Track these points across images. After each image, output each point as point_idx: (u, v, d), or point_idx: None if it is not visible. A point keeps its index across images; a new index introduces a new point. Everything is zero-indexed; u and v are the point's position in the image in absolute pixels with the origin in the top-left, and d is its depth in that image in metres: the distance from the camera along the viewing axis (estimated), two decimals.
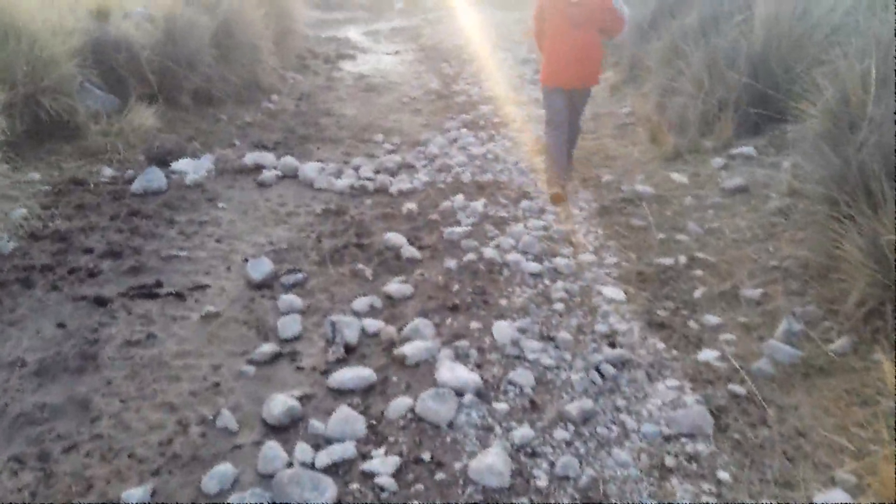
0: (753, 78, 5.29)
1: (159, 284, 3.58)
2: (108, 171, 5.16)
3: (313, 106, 8.08)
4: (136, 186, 4.90)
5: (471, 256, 3.92)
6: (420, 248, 4.14)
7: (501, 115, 7.55)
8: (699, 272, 3.58)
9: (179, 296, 3.50)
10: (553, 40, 5.11)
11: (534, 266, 3.77)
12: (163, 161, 5.54)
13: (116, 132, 5.76)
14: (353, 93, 8.94)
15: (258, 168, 5.59)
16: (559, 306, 3.37)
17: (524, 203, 4.79)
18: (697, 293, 3.39)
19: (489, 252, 3.95)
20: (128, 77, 6.36)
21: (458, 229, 4.30)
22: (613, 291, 3.47)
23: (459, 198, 4.87)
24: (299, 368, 2.87)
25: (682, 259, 3.71)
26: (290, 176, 5.52)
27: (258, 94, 8.23)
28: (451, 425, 2.47)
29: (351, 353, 2.98)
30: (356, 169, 5.68)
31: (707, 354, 2.85)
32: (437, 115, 7.79)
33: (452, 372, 2.69)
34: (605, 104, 7.67)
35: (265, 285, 3.65)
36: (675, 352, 2.95)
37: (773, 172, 4.66)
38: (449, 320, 3.26)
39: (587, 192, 4.97)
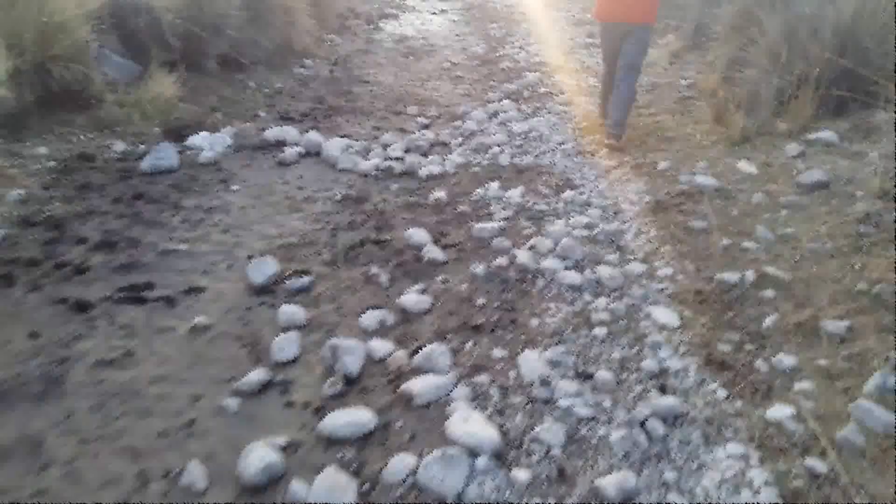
0: (840, 52, 4.55)
1: (150, 286, 3.21)
2: (119, 146, 4.81)
3: (348, 72, 7.58)
4: (145, 165, 4.54)
5: (501, 261, 3.43)
6: (445, 247, 3.67)
7: (549, 85, 6.92)
8: (770, 293, 3.02)
9: (170, 301, 3.13)
10: None
11: (573, 276, 3.26)
12: (179, 135, 5.18)
13: (133, 102, 5.39)
14: (391, 57, 8.39)
15: (280, 144, 5.17)
16: (600, 331, 2.87)
17: (567, 194, 4.25)
18: (768, 322, 2.83)
19: (523, 256, 3.45)
20: (149, 42, 5.97)
21: (489, 225, 3.80)
22: (666, 314, 2.95)
23: (494, 185, 4.35)
24: (289, 404, 2.47)
25: (750, 275, 3.14)
26: (314, 153, 5.09)
27: (291, 59, 7.78)
28: (458, 497, 2.03)
29: (352, 386, 2.56)
30: (385, 147, 5.20)
31: (779, 411, 2.33)
32: (479, 83, 7.20)
33: (466, 424, 2.24)
34: (665, 74, 6.95)
35: (267, 290, 3.24)
36: (738, 403, 2.43)
37: (858, 165, 4.00)
38: (469, 344, 2.80)
39: (640, 182, 4.39)
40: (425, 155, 5.10)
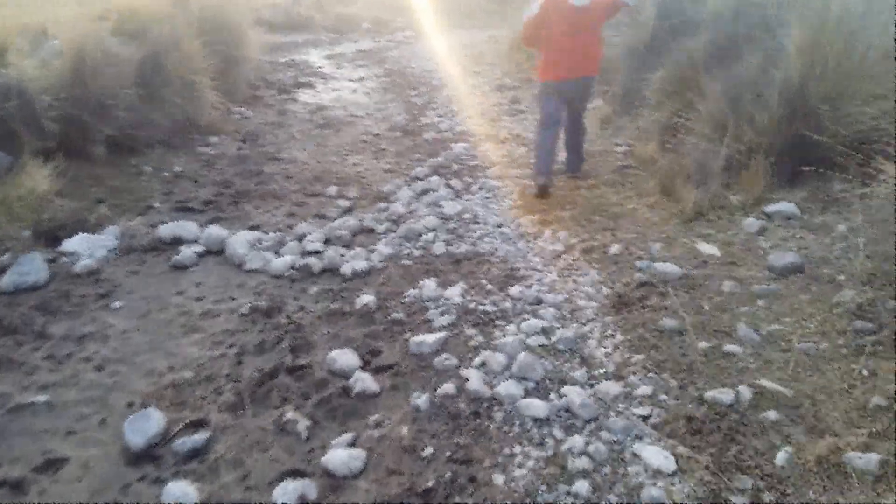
0: (789, 117, 4.28)
1: None
2: None
3: (259, 149, 6.92)
4: (5, 282, 3.72)
5: (448, 387, 2.81)
6: (377, 370, 3.02)
7: (478, 156, 6.47)
8: (773, 415, 2.50)
9: (17, 486, 2.33)
10: (558, 43, 5.23)
11: (537, 405, 2.66)
12: (54, 238, 4.39)
13: None
14: (307, 130, 7.80)
15: (175, 243, 4.44)
16: (582, 486, 2.26)
17: (514, 289, 3.69)
18: (781, 458, 2.30)
19: (473, 379, 2.84)
20: (21, 129, 5.15)
21: (429, 337, 3.18)
22: (657, 455, 2.38)
23: (430, 283, 3.75)
24: None
25: (745, 392, 2.63)
26: (216, 252, 4.37)
27: (195, 137, 7.07)
28: None
29: None
30: (301, 239, 4.55)
31: None
32: (404, 156, 6.68)
33: None
34: (597, 141, 6.63)
35: (150, 456, 2.49)
36: None
37: (827, 241, 3.64)
38: None
39: (592, 270, 3.89)
40: (348, 246, 4.47)
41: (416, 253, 4.31)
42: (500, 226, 4.65)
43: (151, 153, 6.33)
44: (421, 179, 5.84)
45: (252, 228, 4.79)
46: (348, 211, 5.20)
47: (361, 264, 4.07)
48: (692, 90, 5.62)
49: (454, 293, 3.65)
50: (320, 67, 12.51)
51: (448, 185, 5.61)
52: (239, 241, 4.35)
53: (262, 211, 5.18)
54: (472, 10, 19.88)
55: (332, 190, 5.57)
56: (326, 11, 19.35)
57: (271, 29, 17.07)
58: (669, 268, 3.64)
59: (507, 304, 3.55)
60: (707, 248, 3.87)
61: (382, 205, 5.20)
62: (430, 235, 4.51)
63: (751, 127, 4.52)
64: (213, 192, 5.56)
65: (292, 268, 4.10)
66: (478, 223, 4.73)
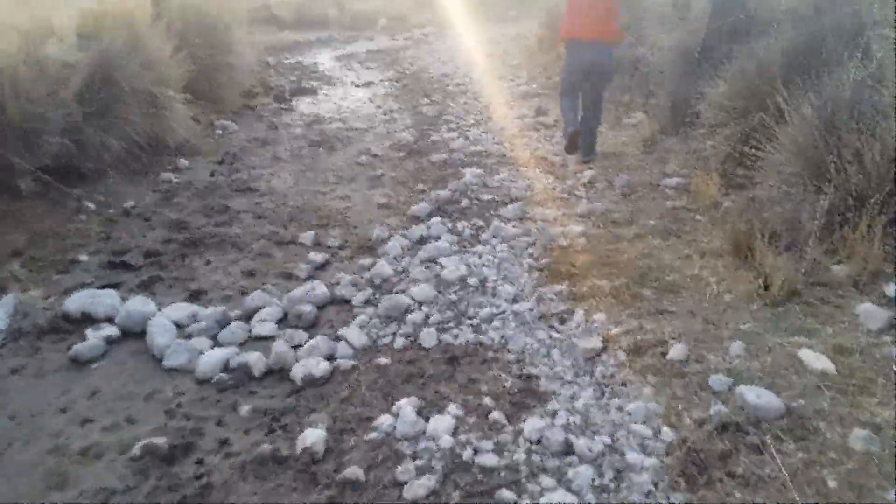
0: None
1: None
2: None
3: (234, 175, 5.84)
4: None
5: None
6: None
7: (494, 187, 5.29)
8: None
9: None
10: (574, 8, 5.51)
11: None
12: None
13: None
14: (297, 149, 6.69)
15: (86, 320, 3.35)
16: None
17: (530, 423, 2.51)
18: None
19: None
20: None
21: None
22: None
23: (409, 410, 2.60)
24: None
25: None
26: (135, 335, 3.28)
27: (163, 159, 6.01)
28: None
29: None
30: (249, 317, 3.43)
31: None
32: (404, 185, 5.54)
33: None
34: (640, 168, 5.40)
35: None
36: None
37: None
38: None
39: (645, 387, 2.69)
40: (311, 328, 3.35)
41: (399, 343, 3.15)
42: (515, 299, 3.47)
43: (102, 183, 5.28)
44: (420, 220, 4.70)
45: (193, 296, 3.69)
46: (323, 267, 4.08)
47: (321, 366, 2.93)
48: (765, 109, 4.38)
49: (442, 427, 2.49)
50: (327, 70, 11.44)
51: (453, 231, 4.45)
52: (162, 326, 3.24)
53: (213, 267, 4.07)
54: (499, 3, 18.63)
55: (308, 236, 4.44)
56: (343, 7, 18.27)
57: (282, 27, 16.08)
58: (763, 398, 2.43)
59: (519, 454, 2.38)
60: (814, 360, 2.64)
61: (366, 260, 4.06)
62: (421, 314, 3.35)
63: (856, 166, 3.28)
64: (161, 237, 4.48)
65: (226, 368, 2.98)
66: (486, 294, 3.56)
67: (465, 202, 5.00)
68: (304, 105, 8.83)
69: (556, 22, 10.85)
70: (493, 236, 4.32)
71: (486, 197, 5.09)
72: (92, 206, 4.93)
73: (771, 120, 4.17)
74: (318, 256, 4.13)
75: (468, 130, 7.11)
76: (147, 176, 5.66)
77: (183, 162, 6.02)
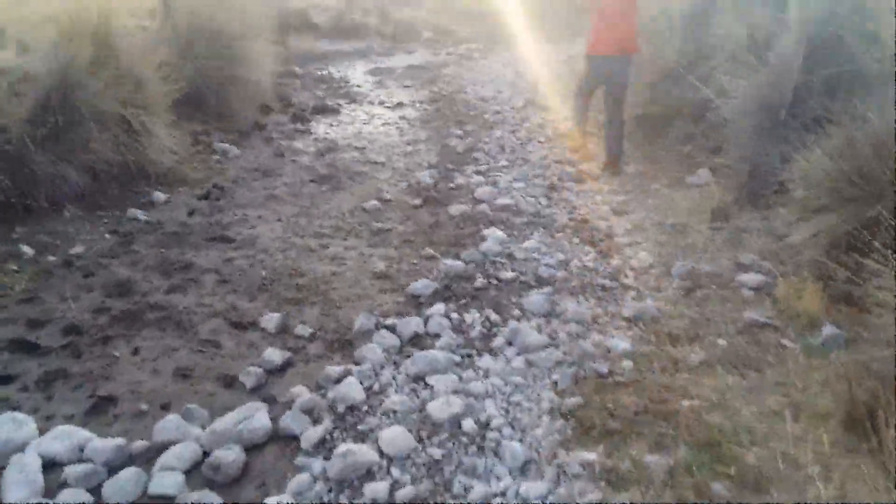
0: None
1: None
2: None
3: (215, 214, 4.95)
4: None
5: None
6: None
7: (520, 264, 4.26)
8: None
9: None
10: (605, 19, 5.82)
11: None
12: None
13: None
14: (298, 184, 5.78)
15: None
16: None
17: None
18: None
19: None
20: None
21: None
22: None
23: None
24: None
25: None
26: None
27: (140, 190, 5.16)
28: None
29: None
30: (156, 454, 2.46)
31: None
32: (411, 247, 4.55)
33: None
34: (708, 252, 4.30)
35: None
36: None
37: None
38: None
39: None
40: (229, 487, 2.36)
41: None
42: (524, 470, 2.43)
43: (53, 221, 4.42)
44: (420, 302, 3.70)
45: (95, 409, 2.76)
46: (280, 371, 3.10)
47: None
48: (883, 197, 3.29)
49: None
50: (358, 86, 10.56)
51: (457, 327, 3.44)
52: (25, 469, 2.31)
53: (140, 360, 3.13)
54: (557, 20, 17.56)
55: (273, 319, 3.47)
56: (386, 17, 17.45)
57: (320, 35, 15.31)
58: None
59: None
60: None
61: (335, 368, 3.06)
62: (386, 484, 2.33)
63: None
64: (94, 303, 3.57)
65: None
66: (483, 453, 2.53)
67: (479, 280, 3.97)
68: (322, 126, 7.94)
69: None
70: (509, 342, 3.29)
71: (507, 275, 4.05)
72: (29, 251, 4.07)
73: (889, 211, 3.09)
74: (276, 355, 3.15)
75: (499, 175, 6.09)
76: (112, 213, 4.79)
77: (159, 196, 5.14)
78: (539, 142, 7.31)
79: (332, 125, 8.05)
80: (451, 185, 5.85)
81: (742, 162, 4.81)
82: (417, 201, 5.42)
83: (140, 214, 4.80)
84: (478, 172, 6.21)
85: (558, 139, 7.35)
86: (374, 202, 5.35)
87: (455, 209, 5.19)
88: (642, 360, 3.11)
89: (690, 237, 4.49)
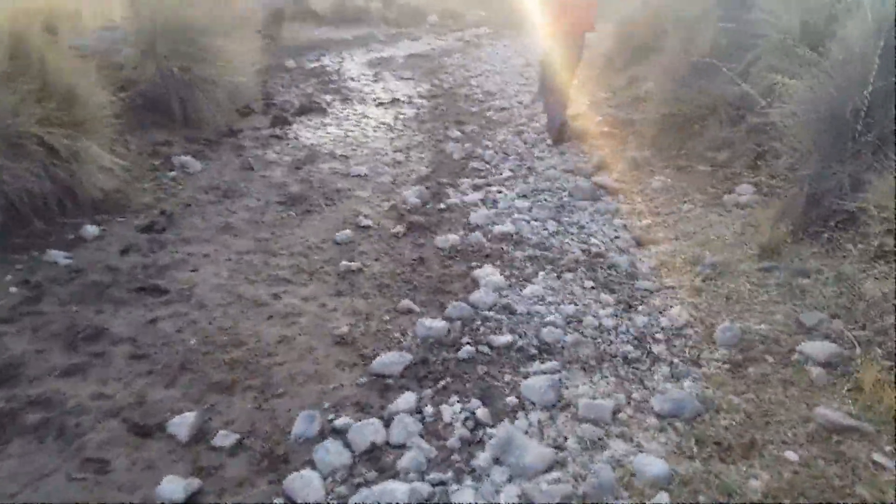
0: None
1: None
2: None
3: (155, 252, 4.12)
4: None
5: None
6: None
7: (519, 321, 3.37)
8: None
9: None
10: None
11: None
12: None
13: None
14: (263, 207, 4.91)
15: None
16: None
17: None
18: None
19: None
20: None
21: None
22: None
23: None
24: None
25: None
26: None
27: (67, 222, 4.32)
28: None
29: None
30: None
31: None
32: (385, 296, 3.68)
33: None
34: (759, 297, 3.37)
35: None
36: None
37: None
38: None
39: None
40: None
41: None
42: None
43: None
44: (386, 386, 2.82)
45: None
46: None
47: None
48: None
49: None
50: (352, 79, 9.63)
51: (431, 433, 2.57)
52: None
53: None
54: None
55: (186, 422, 2.61)
56: (390, 1, 16.44)
57: (321, 22, 14.37)
58: None
59: None
60: None
61: None
62: None
63: None
64: None
65: None
66: None
67: (465, 349, 3.09)
68: (304, 130, 7.05)
69: (629, 34, 8.77)
70: (496, 459, 2.40)
71: (501, 339, 3.16)
72: None
73: None
74: (178, 488, 2.29)
75: (499, 190, 5.17)
76: (28, 255, 3.95)
77: (90, 230, 4.30)
78: (548, 145, 6.35)
79: (315, 128, 7.16)
80: (442, 205, 4.95)
81: (798, 182, 3.85)
82: (400, 228, 4.53)
83: (61, 257, 3.96)
84: (475, 187, 5.30)
85: (570, 142, 6.40)
86: (349, 231, 4.47)
87: (444, 240, 4.30)
88: (682, 493, 2.21)
89: (735, 281, 3.55)
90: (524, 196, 5.05)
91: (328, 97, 8.52)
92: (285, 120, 7.34)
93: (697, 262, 3.79)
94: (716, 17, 6.17)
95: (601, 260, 3.97)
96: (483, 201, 4.98)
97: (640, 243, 4.15)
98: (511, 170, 5.67)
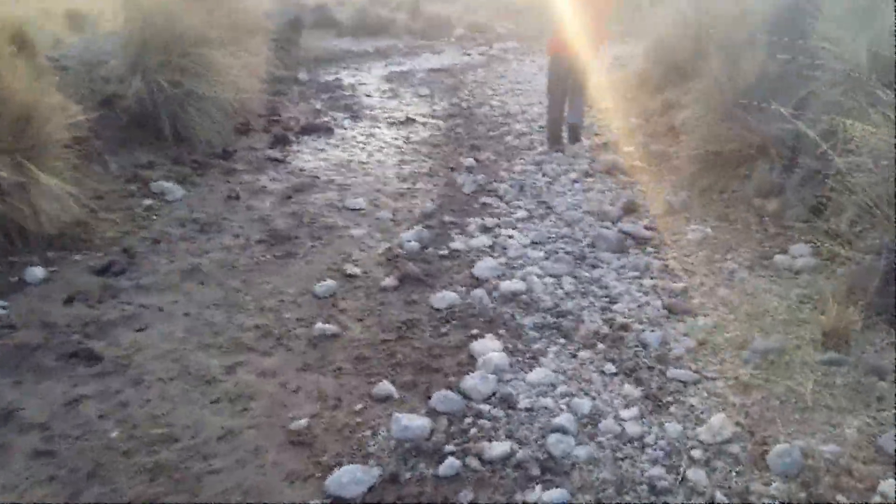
0: None
1: None
2: None
3: (104, 301, 3.63)
4: None
5: None
6: None
7: (521, 420, 2.73)
8: None
9: None
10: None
11: None
12: None
13: None
14: (240, 246, 4.35)
15: None
16: None
17: None
18: None
19: None
20: None
21: None
22: None
23: None
24: None
25: None
26: None
27: (17, 259, 3.80)
28: None
29: None
30: None
31: None
32: (359, 377, 3.09)
33: None
34: (824, 401, 2.66)
35: None
36: None
37: None
38: None
39: None
40: None
41: None
42: None
43: None
44: None
45: None
46: None
47: None
48: None
49: None
50: (367, 95, 9.07)
51: None
52: None
53: None
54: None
55: None
56: (416, 12, 15.91)
57: (340, 32, 13.90)
58: None
59: None
60: None
61: None
62: None
63: None
64: None
65: None
66: None
67: (449, 461, 2.44)
68: (305, 152, 6.49)
69: (665, 53, 8.05)
70: None
71: (497, 450, 2.51)
72: None
73: None
74: None
75: (511, 234, 4.52)
76: None
77: (36, 273, 3.75)
78: (571, 179, 5.68)
79: (318, 150, 6.59)
80: (444, 250, 4.31)
81: (869, 250, 3.13)
82: (391, 280, 3.90)
83: None
84: (484, 228, 4.65)
85: (598, 176, 5.72)
86: (331, 282, 3.85)
87: (441, 297, 3.66)
88: None
89: (791, 376, 2.85)
90: (540, 242, 4.40)
91: (338, 114, 7.96)
92: (286, 140, 6.78)
93: (744, 344, 3.09)
94: (764, 42, 5.45)
95: (626, 334, 3.29)
96: (491, 247, 4.33)
97: (673, 313, 3.46)
98: (527, 208, 5.02)
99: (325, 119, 7.71)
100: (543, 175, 5.79)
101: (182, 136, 6.10)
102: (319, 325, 3.41)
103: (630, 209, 4.84)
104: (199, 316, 3.49)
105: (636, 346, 3.20)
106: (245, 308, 3.60)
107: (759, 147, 4.76)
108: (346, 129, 7.38)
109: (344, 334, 3.37)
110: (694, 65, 7.10)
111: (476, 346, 3.19)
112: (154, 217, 4.72)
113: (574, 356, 3.15)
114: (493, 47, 14.03)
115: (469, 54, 13.27)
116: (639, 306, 3.56)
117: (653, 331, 3.30)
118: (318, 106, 8.35)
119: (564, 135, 6.44)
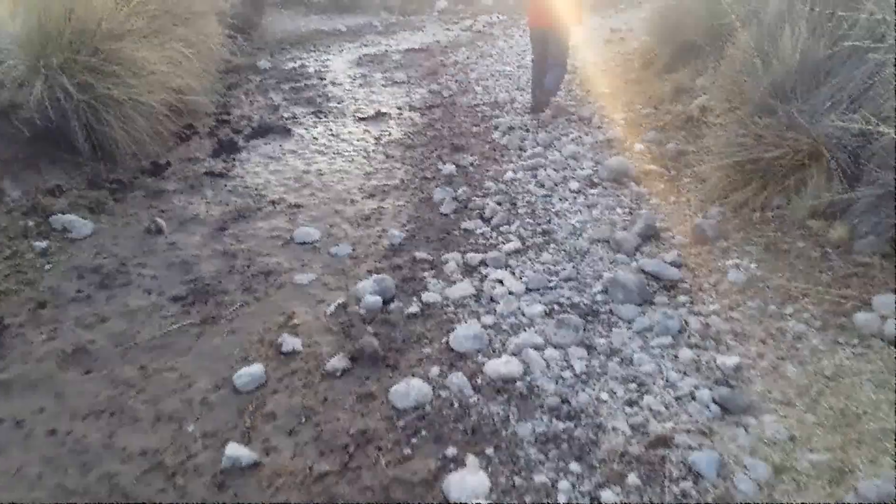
0: None
1: None
2: None
3: None
4: None
5: None
6: None
7: None
8: None
9: None
10: None
11: None
12: None
13: None
14: (144, 312, 3.33)
15: None
16: None
17: None
18: None
19: None
20: None
21: None
22: None
23: None
24: None
25: None
26: None
27: None
28: None
29: None
30: None
31: None
32: None
33: None
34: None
35: None
36: None
37: None
38: None
39: None
40: None
41: None
42: None
43: None
44: None
45: None
46: None
47: None
48: None
49: None
50: (334, 83, 7.98)
51: None
52: None
53: None
54: None
55: None
56: None
57: (309, 10, 12.69)
58: None
59: None
60: None
61: None
62: None
63: None
64: None
65: None
66: None
67: None
68: (253, 163, 5.43)
69: (671, 25, 6.98)
70: None
71: None
72: None
73: None
74: None
75: (500, 279, 3.50)
76: None
77: None
78: (572, 190, 4.66)
79: (269, 158, 5.53)
80: (414, 306, 3.30)
81: None
82: (340, 360, 2.90)
83: None
84: (466, 268, 3.64)
85: (604, 186, 4.69)
86: (258, 368, 2.83)
87: (406, 391, 2.66)
88: None
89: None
90: (538, 290, 3.39)
91: (299, 110, 6.88)
92: (233, 146, 5.73)
93: (841, 477, 2.10)
94: (806, 13, 4.40)
95: (666, 454, 2.30)
96: (475, 298, 3.33)
97: (725, 410, 2.48)
98: (519, 236, 4.00)
99: (284, 116, 6.64)
100: (539, 184, 4.76)
101: (105, 149, 5.05)
102: (232, 447, 2.40)
103: (649, 234, 3.83)
104: (67, 435, 2.49)
105: (683, 477, 2.21)
106: (135, 416, 2.59)
107: (809, 150, 3.74)
108: (306, 128, 6.32)
109: (265, 463, 2.37)
110: (710, 41, 6.06)
111: (453, 481, 2.20)
112: (48, 266, 3.70)
113: (593, 498, 2.16)
114: (478, 22, 12.85)
115: (451, 31, 12.11)
116: (678, 399, 2.57)
117: (702, 448, 2.31)
118: (278, 100, 7.27)
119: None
